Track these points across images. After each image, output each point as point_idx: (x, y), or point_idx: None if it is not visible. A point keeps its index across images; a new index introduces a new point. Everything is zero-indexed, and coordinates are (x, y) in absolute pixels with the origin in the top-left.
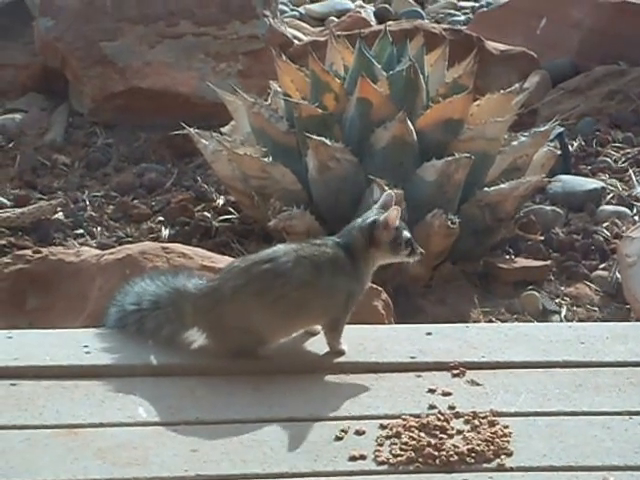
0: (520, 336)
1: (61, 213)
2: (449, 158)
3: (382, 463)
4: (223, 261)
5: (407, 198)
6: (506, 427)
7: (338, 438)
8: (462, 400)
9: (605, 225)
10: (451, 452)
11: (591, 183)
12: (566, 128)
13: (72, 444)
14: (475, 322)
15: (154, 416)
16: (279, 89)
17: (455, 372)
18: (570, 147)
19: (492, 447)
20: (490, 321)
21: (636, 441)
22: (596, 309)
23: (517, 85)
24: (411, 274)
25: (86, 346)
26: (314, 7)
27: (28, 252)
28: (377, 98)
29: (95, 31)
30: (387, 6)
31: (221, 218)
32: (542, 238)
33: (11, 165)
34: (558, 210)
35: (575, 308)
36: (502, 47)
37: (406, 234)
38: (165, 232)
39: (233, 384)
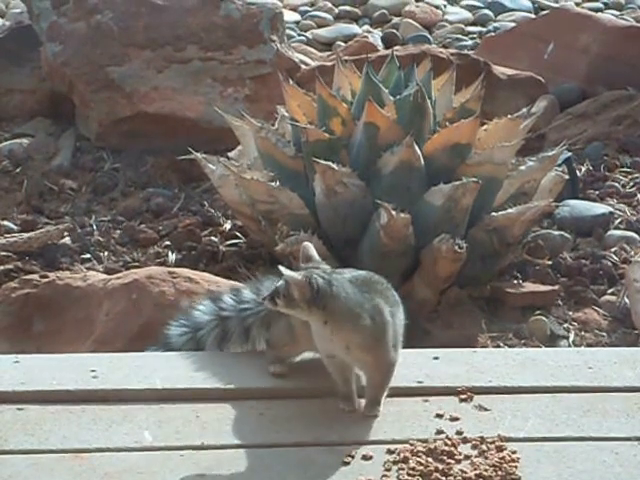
0: (528, 361)
1: (68, 238)
2: (456, 183)
3: None
4: (229, 286)
5: (414, 223)
6: (514, 452)
7: (345, 463)
8: (470, 425)
9: (613, 250)
10: (459, 477)
11: (599, 208)
12: (574, 153)
13: (79, 469)
14: (483, 347)
15: (160, 441)
16: (286, 114)
17: (463, 397)
18: (578, 172)
19: (500, 472)
20: (498, 346)
21: None
22: (604, 334)
23: (525, 110)
24: (418, 298)
25: (93, 370)
26: (321, 32)
27: (35, 277)
28: (384, 123)
29: (102, 56)
30: (394, 31)
31: (228, 243)
32: (550, 263)
33: (18, 190)
34: (566, 235)
35: (583, 333)
36: (509, 72)
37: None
38: (172, 257)
39: (239, 409)
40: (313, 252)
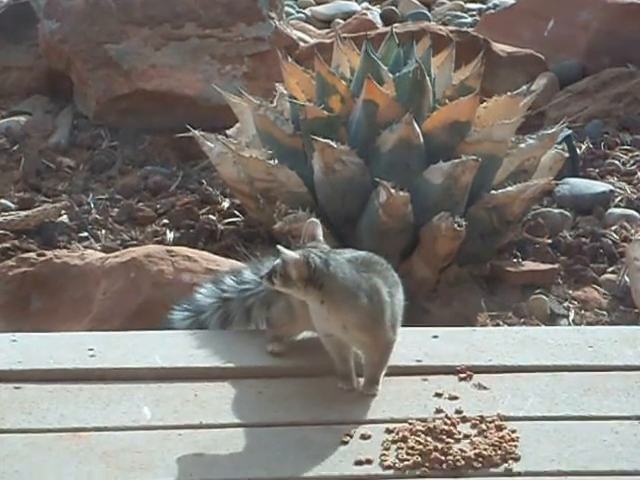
0: (528, 340)
1: (65, 216)
2: (456, 160)
3: (388, 467)
4: (228, 264)
5: (413, 201)
6: (514, 431)
7: (343, 442)
8: (469, 404)
9: (613, 228)
10: (458, 457)
11: (599, 186)
12: (574, 130)
13: (76, 448)
14: (482, 325)
15: (158, 420)
16: (285, 91)
17: (462, 376)
18: (578, 150)
19: (499, 452)
20: (497, 325)
21: None
22: (604, 313)
23: (524, 87)
24: (418, 277)
25: (91, 349)
26: (320, 9)
27: (32, 255)
28: (383, 100)
29: (100, 33)
30: (393, 8)
31: (226, 221)
32: (550, 241)
33: (15, 168)
34: (566, 213)
35: (583, 312)
36: (509, 49)
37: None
38: (170, 235)
39: (238, 388)
40: (318, 230)
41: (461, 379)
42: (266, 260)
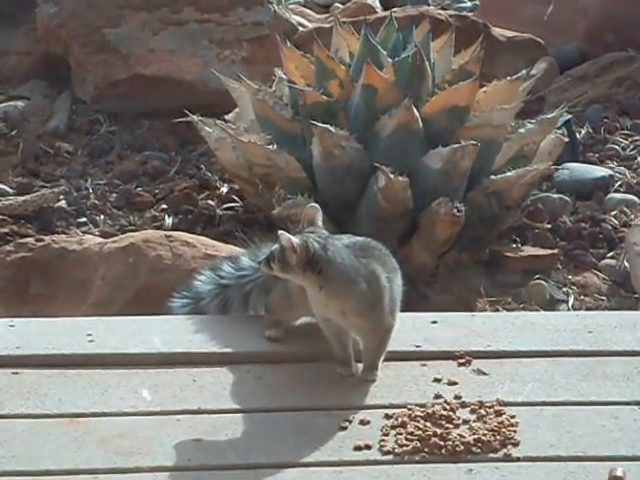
0: (527, 325)
1: (64, 201)
2: (455, 145)
3: (387, 453)
4: (227, 250)
5: (412, 186)
6: (513, 417)
7: (342, 428)
8: (468, 389)
9: (613, 213)
10: (457, 442)
11: (599, 171)
12: (574, 115)
13: (74, 433)
14: (481, 311)
15: (157, 405)
16: (284, 76)
17: (461, 361)
18: (578, 134)
19: (499, 437)
20: (496, 310)
21: None
22: (604, 298)
23: (524, 72)
24: (417, 262)
25: (89, 334)
26: None
27: (31, 240)
28: (382, 85)
29: (98, 18)
30: None
31: (225, 206)
32: (549, 226)
33: (14, 153)
34: (565, 198)
35: (583, 297)
36: (509, 34)
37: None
38: (168, 220)
39: (236, 373)
40: (318, 215)
41: (460, 364)
42: (264, 246)
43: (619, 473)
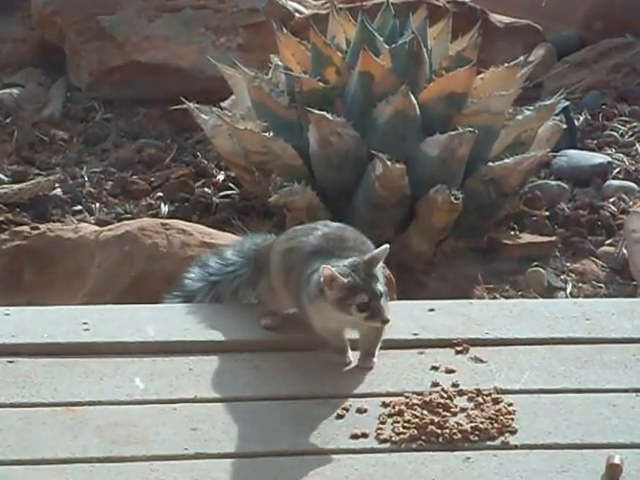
0: (525, 312)
1: (59, 189)
2: (452, 132)
3: (384, 441)
4: (223, 238)
5: (409, 173)
6: (510, 404)
7: (340, 416)
8: (466, 377)
9: (611, 200)
10: (454, 430)
11: (597, 158)
12: (572, 102)
13: (70, 422)
14: (479, 298)
15: (153, 394)
16: (280, 63)
17: (458, 349)
18: (576, 121)
19: (496, 425)
20: (494, 297)
21: None
22: (602, 285)
23: (522, 58)
24: (414, 250)
25: (85, 323)
26: None
27: (26, 228)
28: (379, 71)
29: (93, 4)
30: None
31: (221, 194)
32: (547, 214)
33: (8, 141)
34: (563, 185)
35: (581, 284)
36: (506, 20)
37: (362, 298)
38: (164, 208)
39: (232, 362)
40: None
41: (458, 352)
42: (250, 237)
43: (617, 460)
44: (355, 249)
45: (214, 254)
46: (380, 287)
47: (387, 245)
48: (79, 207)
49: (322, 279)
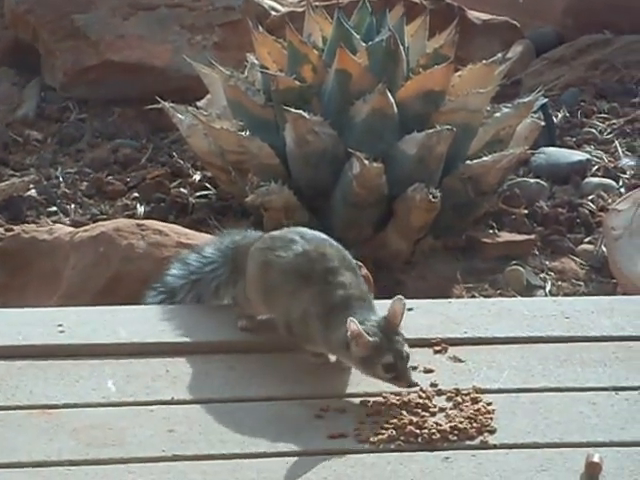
0: (504, 311)
1: (34, 190)
2: (430, 130)
3: (363, 442)
4: (200, 238)
5: (387, 172)
6: (489, 404)
7: (318, 417)
8: (444, 377)
9: (590, 198)
10: (433, 430)
11: (576, 155)
12: (550, 99)
13: (46, 425)
14: (458, 297)
15: (129, 396)
16: (256, 61)
17: (437, 348)
18: (554, 118)
19: (475, 424)
20: (473, 296)
21: (622, 417)
22: (581, 283)
23: (500, 55)
24: (392, 249)
25: (60, 325)
26: None
27: (0, 230)
28: (356, 69)
29: (67, 3)
30: None
31: (198, 194)
32: (526, 212)
33: None
34: (542, 183)
35: (560, 283)
36: (484, 16)
37: (388, 358)
38: (140, 209)
39: (209, 363)
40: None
41: (436, 352)
42: (228, 234)
43: (596, 459)
44: (341, 269)
45: (194, 251)
46: (406, 349)
47: (402, 297)
48: (54, 208)
49: (348, 334)
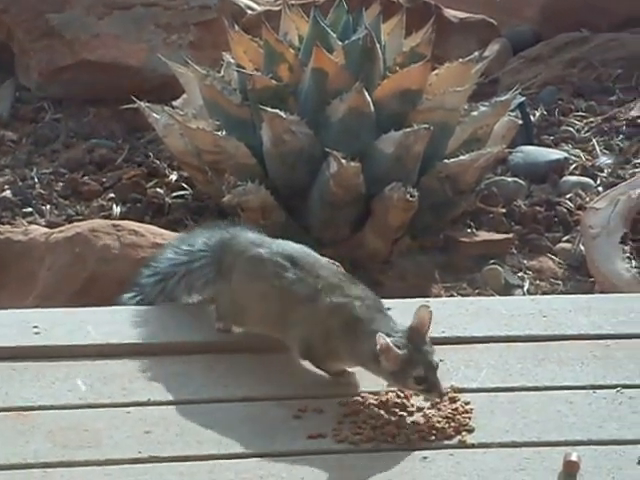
0: (482, 310)
1: (8, 191)
2: (407, 129)
3: (341, 441)
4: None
5: (365, 171)
6: (467, 403)
7: (296, 417)
8: None
9: (568, 196)
10: (411, 429)
11: (554, 153)
12: (527, 97)
13: (22, 427)
14: (436, 297)
15: (106, 397)
16: (232, 60)
17: None
18: (532, 117)
19: (453, 424)
20: (451, 296)
21: (599, 416)
22: (559, 282)
23: (477, 54)
24: (369, 249)
25: (35, 326)
26: None
27: None
28: (333, 68)
29: (42, 2)
30: None
31: (174, 194)
32: (504, 210)
33: None
34: (520, 182)
35: (538, 282)
36: (461, 15)
37: (419, 372)
38: (117, 209)
39: (185, 364)
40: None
41: None
42: (190, 236)
43: (574, 458)
44: (347, 282)
45: (184, 241)
46: (436, 359)
47: (428, 304)
48: (29, 209)
49: (377, 348)
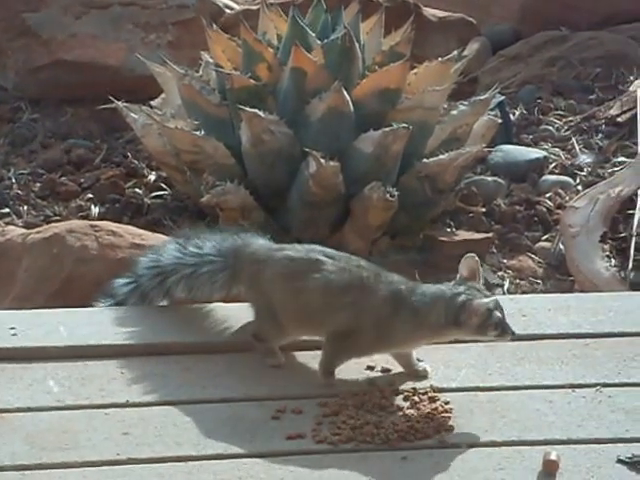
0: None
1: None
2: (386, 129)
3: (321, 442)
4: (154, 239)
5: (344, 171)
6: (447, 403)
7: (275, 418)
8: (402, 376)
9: (548, 195)
10: (390, 429)
11: (533, 152)
12: (507, 96)
13: None
14: None
15: (84, 399)
16: (210, 60)
17: None
18: (511, 116)
19: (432, 423)
20: None
21: (579, 414)
22: (539, 281)
23: (456, 52)
24: (349, 249)
25: (12, 328)
26: None
27: None
28: (312, 68)
29: (18, 2)
30: None
31: (153, 195)
32: (484, 210)
33: None
34: (500, 181)
35: (518, 281)
36: (440, 14)
37: (496, 315)
38: (95, 210)
39: (164, 365)
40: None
41: None
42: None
43: (553, 457)
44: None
45: (190, 241)
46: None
47: (473, 255)
48: (6, 210)
49: (464, 312)
